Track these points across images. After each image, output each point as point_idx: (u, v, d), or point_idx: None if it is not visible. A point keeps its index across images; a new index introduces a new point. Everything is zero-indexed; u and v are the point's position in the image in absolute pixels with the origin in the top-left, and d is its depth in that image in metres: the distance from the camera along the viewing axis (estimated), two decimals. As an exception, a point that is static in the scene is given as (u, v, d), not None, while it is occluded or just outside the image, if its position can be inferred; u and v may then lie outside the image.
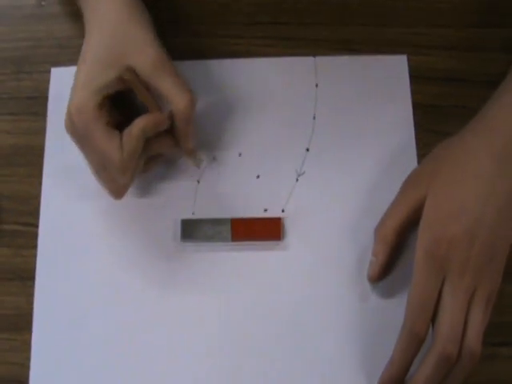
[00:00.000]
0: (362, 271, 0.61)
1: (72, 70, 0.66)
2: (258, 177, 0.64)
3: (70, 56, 0.68)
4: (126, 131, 0.56)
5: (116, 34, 0.57)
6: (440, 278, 0.55)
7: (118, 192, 0.60)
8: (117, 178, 0.58)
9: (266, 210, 0.63)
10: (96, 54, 0.57)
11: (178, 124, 0.59)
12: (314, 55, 0.67)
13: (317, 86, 0.66)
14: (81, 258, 0.62)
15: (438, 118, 0.66)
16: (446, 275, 0.55)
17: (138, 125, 0.56)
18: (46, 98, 0.67)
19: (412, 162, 0.64)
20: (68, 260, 0.62)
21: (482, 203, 0.56)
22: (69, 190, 0.64)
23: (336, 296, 0.61)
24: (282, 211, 0.63)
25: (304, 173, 0.64)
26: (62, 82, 0.66)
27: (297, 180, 0.64)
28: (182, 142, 0.61)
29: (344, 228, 0.62)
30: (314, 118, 0.65)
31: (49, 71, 0.68)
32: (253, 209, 0.63)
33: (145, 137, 0.57)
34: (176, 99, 0.57)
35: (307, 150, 0.64)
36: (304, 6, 0.69)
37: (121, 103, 0.59)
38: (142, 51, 0.57)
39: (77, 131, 0.57)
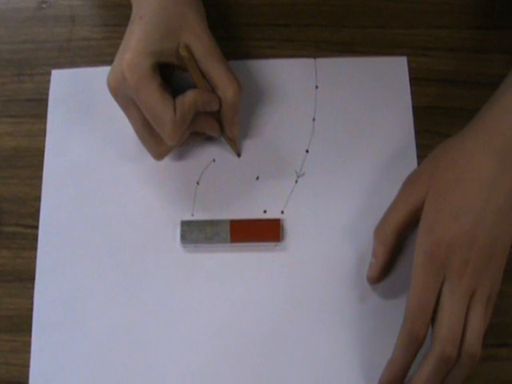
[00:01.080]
0: (362, 272, 0.61)
1: (72, 72, 0.68)
2: (257, 178, 0.64)
3: (70, 58, 0.68)
4: (179, 98, 0.57)
5: (174, 13, 0.57)
6: (439, 279, 0.55)
7: (160, 154, 0.61)
8: (165, 139, 0.58)
9: (265, 212, 0.63)
10: (155, 20, 0.57)
11: (225, 111, 0.60)
12: (315, 57, 0.67)
13: (317, 87, 0.66)
14: (80, 259, 0.62)
15: (438, 119, 0.66)
16: (445, 276, 0.55)
17: (191, 95, 0.57)
18: (47, 101, 0.67)
19: (412, 164, 0.64)
20: (67, 261, 0.62)
21: (481, 203, 0.55)
22: (69, 191, 0.64)
23: (335, 297, 0.61)
24: (282, 213, 0.63)
25: (304, 174, 0.64)
26: (63, 84, 0.67)
27: (296, 181, 0.64)
28: (227, 128, 0.62)
29: (343, 229, 0.62)
30: (314, 119, 0.65)
31: (50, 73, 0.68)
32: (252, 210, 0.63)
33: (196, 108, 0.58)
34: (225, 86, 0.58)
35: (307, 151, 0.64)
36: (304, 7, 0.69)
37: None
38: (198, 35, 0.58)
39: (126, 89, 0.56)
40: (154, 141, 0.60)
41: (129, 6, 0.60)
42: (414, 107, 0.66)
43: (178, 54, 0.57)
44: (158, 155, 0.61)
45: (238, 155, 0.64)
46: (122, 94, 0.57)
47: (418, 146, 0.64)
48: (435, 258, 0.55)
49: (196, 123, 0.60)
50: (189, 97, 0.57)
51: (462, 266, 0.54)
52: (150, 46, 0.56)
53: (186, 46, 0.57)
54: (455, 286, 0.54)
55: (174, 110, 0.56)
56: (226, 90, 0.58)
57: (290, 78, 0.66)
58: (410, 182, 0.60)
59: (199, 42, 0.58)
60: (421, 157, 0.64)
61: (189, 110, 0.57)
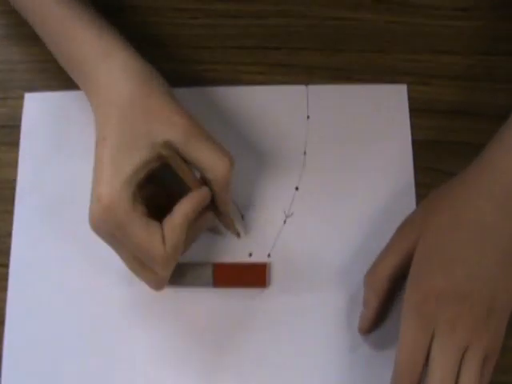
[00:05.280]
0: (352, 320, 0.58)
1: (47, 95, 0.65)
2: (242, 217, 0.61)
3: (45, 81, 0.65)
4: (168, 220, 0.52)
5: (136, 111, 0.52)
6: (428, 335, 0.52)
7: (158, 285, 0.55)
8: (158, 272, 0.53)
9: (250, 255, 0.60)
10: (118, 138, 0.51)
11: (217, 192, 0.55)
12: (307, 83, 0.64)
13: (308, 117, 0.63)
14: (53, 301, 0.60)
15: (440, 155, 0.62)
16: (435, 332, 0.52)
17: (181, 211, 0.52)
18: (20, 127, 0.64)
19: (410, 204, 0.61)
20: (39, 304, 0.60)
21: (478, 253, 0.52)
22: (42, 228, 0.61)
23: (324, 347, 0.58)
24: (268, 256, 0.60)
25: (292, 214, 0.61)
26: (37, 109, 0.64)
27: (284, 222, 0.61)
28: (221, 209, 0.57)
29: (334, 275, 0.59)
30: (305, 153, 0.62)
31: (23, 97, 0.64)
32: (237, 253, 0.60)
33: (189, 222, 0.52)
34: (215, 166, 0.53)
35: (296, 188, 0.61)
36: (296, 29, 0.65)
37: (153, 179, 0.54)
38: (171, 123, 0.52)
39: (109, 230, 0.51)
40: (149, 273, 0.54)
41: (115, 26, 0.56)
42: (413, 141, 0.63)
43: (156, 156, 0.52)
44: (157, 286, 0.55)
45: (238, 235, 0.60)
46: (106, 232, 0.52)
47: (417, 185, 0.61)
48: (423, 313, 0.52)
49: (190, 230, 0.54)
50: (178, 216, 0.52)
51: (453, 321, 0.51)
52: (123, 171, 0.51)
53: (166, 143, 0.51)
54: (445, 342, 0.51)
55: (164, 241, 0.51)
56: (215, 170, 0.53)
57: (279, 108, 0.63)
58: (404, 226, 0.57)
59: (175, 129, 0.52)
60: (420, 196, 0.61)
61: (181, 232, 0.52)
